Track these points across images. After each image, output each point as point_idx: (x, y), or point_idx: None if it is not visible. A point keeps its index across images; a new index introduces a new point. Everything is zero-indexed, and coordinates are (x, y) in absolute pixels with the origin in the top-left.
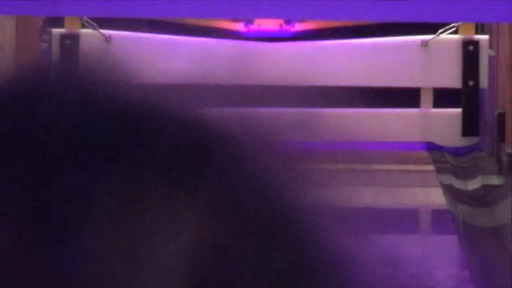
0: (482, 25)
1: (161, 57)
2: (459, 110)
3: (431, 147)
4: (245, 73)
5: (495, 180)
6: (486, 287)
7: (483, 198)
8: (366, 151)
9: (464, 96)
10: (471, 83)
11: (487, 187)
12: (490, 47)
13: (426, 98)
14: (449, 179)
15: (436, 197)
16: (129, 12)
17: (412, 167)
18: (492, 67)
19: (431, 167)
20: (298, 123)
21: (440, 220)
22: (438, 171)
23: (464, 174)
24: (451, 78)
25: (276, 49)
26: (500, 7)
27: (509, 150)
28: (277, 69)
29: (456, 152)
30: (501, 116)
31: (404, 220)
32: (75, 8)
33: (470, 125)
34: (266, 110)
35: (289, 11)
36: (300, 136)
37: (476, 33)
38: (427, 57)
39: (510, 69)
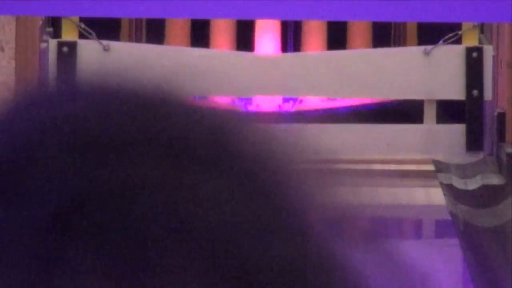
0: (482, 27)
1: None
2: (463, 125)
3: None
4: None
5: (495, 180)
6: (486, 287)
7: (483, 198)
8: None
9: (468, 109)
10: (475, 92)
11: (487, 187)
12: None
13: (430, 112)
14: (449, 179)
15: (436, 197)
16: (128, 12)
17: (412, 167)
18: (492, 67)
19: (431, 167)
20: (299, 140)
21: (440, 220)
22: (438, 171)
23: (464, 174)
24: (455, 88)
25: (278, 59)
26: (500, 7)
27: (509, 150)
28: (280, 81)
29: None
30: (501, 116)
31: (404, 220)
32: (75, 8)
33: (474, 140)
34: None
35: (289, 11)
36: (300, 153)
37: (480, 43)
38: (429, 67)
39: (510, 69)
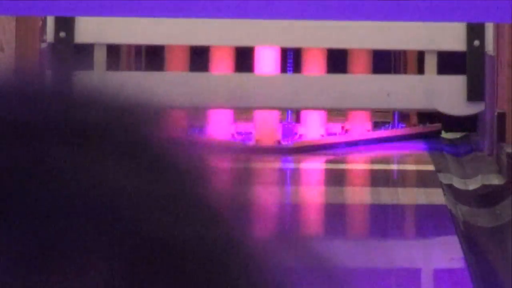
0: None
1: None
2: (464, 76)
3: (431, 147)
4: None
5: (495, 180)
6: (486, 287)
7: (483, 198)
8: (368, 152)
9: (469, 59)
10: (476, 43)
11: (487, 187)
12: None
13: (430, 63)
14: (449, 179)
15: (436, 197)
16: (128, 12)
17: (412, 167)
18: (492, 67)
19: (431, 167)
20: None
21: (440, 220)
22: (438, 171)
23: (464, 174)
24: (456, 38)
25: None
26: (500, 7)
27: (509, 150)
28: (281, 26)
29: (456, 152)
30: (501, 116)
31: (404, 220)
32: (75, 8)
33: (475, 90)
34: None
35: (289, 11)
36: (291, 102)
37: None
38: None
39: (510, 69)
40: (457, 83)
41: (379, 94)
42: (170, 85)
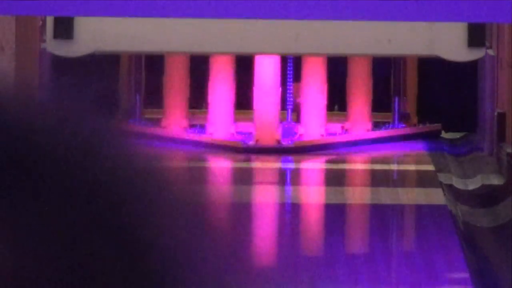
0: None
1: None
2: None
3: (431, 147)
4: None
5: (495, 180)
6: (486, 287)
7: (483, 198)
8: (368, 152)
9: None
10: None
11: (487, 187)
12: (490, 47)
13: None
14: (449, 179)
15: (436, 197)
16: (129, 12)
17: (412, 167)
18: (492, 67)
19: (431, 167)
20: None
21: (440, 220)
22: (438, 171)
23: (464, 174)
24: None
25: None
26: (500, 7)
27: (509, 150)
28: None
29: (456, 152)
30: (501, 116)
31: (404, 220)
32: (75, 8)
33: (476, 35)
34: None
35: (289, 11)
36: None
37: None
38: None
39: (510, 69)
40: (458, 29)
41: (380, 40)
42: (171, 31)
